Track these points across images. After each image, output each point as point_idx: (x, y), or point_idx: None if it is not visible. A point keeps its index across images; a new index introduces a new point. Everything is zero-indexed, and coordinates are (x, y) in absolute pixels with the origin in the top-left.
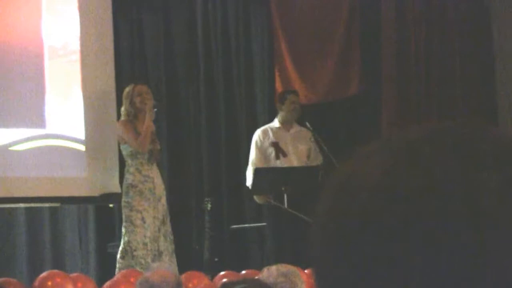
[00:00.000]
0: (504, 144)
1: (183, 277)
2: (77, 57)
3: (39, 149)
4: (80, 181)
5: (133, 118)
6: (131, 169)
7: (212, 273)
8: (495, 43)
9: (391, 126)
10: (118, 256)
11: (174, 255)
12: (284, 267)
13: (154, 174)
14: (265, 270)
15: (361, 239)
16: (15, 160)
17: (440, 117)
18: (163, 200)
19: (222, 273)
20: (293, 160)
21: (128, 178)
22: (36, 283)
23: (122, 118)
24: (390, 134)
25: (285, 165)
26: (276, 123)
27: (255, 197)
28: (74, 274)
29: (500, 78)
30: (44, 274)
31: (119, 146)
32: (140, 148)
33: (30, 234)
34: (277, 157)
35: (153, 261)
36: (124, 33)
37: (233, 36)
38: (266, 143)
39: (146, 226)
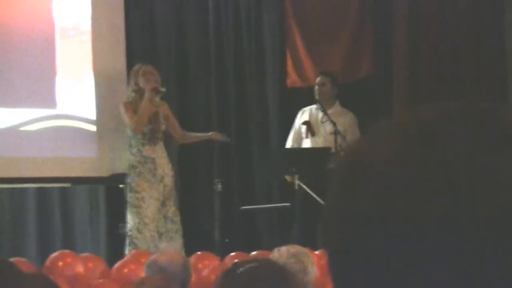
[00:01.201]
0: None
1: (193, 258)
2: (88, 37)
3: (50, 129)
4: (91, 162)
5: (138, 98)
6: (134, 150)
7: (223, 254)
8: (507, 24)
9: (403, 107)
10: (128, 240)
11: (178, 236)
12: (294, 248)
13: (156, 154)
14: (275, 251)
15: (375, 225)
16: (26, 140)
17: (451, 99)
18: (166, 181)
19: (232, 254)
20: (319, 140)
21: (130, 158)
22: (47, 263)
23: (126, 98)
24: (401, 114)
25: (311, 145)
26: (316, 103)
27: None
28: (85, 254)
29: (511, 60)
30: (54, 254)
31: None
32: (135, 127)
33: (40, 215)
34: (306, 136)
35: (152, 242)
36: (136, 13)
37: (245, 24)
38: (301, 122)
39: (146, 207)
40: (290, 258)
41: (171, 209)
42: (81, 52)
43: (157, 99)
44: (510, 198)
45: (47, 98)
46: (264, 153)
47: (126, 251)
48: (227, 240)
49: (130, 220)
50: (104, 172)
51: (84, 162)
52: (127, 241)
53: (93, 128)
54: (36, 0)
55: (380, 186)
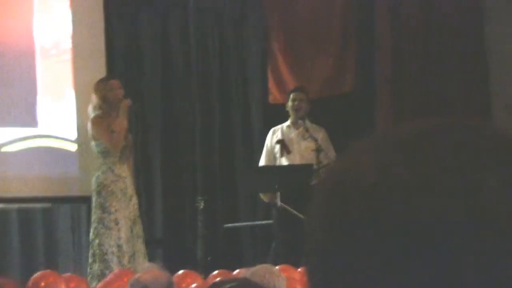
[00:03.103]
0: (502, 142)
1: (176, 276)
2: (69, 56)
3: (31, 149)
4: (72, 181)
5: (107, 114)
6: (103, 168)
7: (206, 272)
8: (488, 42)
9: (386, 123)
10: (89, 260)
11: (146, 256)
12: (262, 267)
13: (126, 173)
14: (242, 270)
15: (356, 238)
16: (7, 160)
17: (434, 114)
18: (134, 200)
19: (215, 272)
20: (296, 158)
21: (100, 176)
22: (30, 283)
23: (94, 114)
24: (384, 130)
25: (288, 163)
26: (288, 121)
27: (261, 195)
28: (67, 274)
29: (494, 77)
30: (37, 274)
31: None
32: (114, 146)
33: (23, 234)
34: (281, 155)
35: (128, 262)
36: (117, 32)
37: (228, 36)
38: (274, 141)
39: (119, 228)
40: (256, 277)
41: (141, 228)
42: (62, 71)
43: (125, 115)
44: (491, 212)
45: (28, 118)
46: (248, 170)
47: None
48: (210, 258)
49: (99, 239)
50: (85, 191)
51: (66, 181)
52: (90, 260)
53: (74, 147)
54: (17, 19)
55: (362, 206)
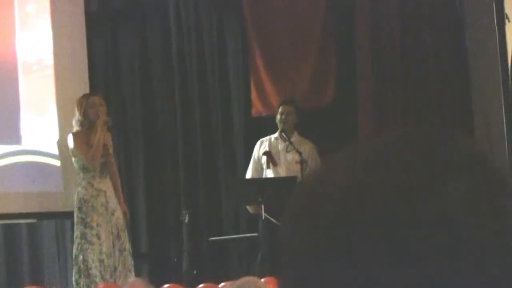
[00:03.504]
0: (471, 153)
1: None
2: (51, 72)
3: (15, 165)
4: (57, 196)
5: (87, 130)
6: (83, 183)
7: (191, 285)
8: (468, 45)
9: (368, 131)
10: (74, 276)
11: (132, 269)
12: (243, 279)
13: (107, 187)
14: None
15: (329, 243)
16: None
17: (417, 120)
18: (118, 214)
19: (201, 285)
20: (282, 170)
21: (80, 192)
22: None
23: (74, 129)
24: (360, 141)
25: (274, 175)
26: (276, 133)
27: (247, 207)
28: None
29: (474, 82)
30: None
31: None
32: (91, 161)
33: (8, 250)
34: (268, 166)
35: (111, 277)
36: (99, 47)
37: (208, 52)
38: (261, 152)
39: (101, 242)
40: None
41: (126, 242)
42: (45, 87)
43: (106, 130)
44: (453, 217)
45: (11, 134)
46: (231, 183)
47: (74, 285)
48: (195, 271)
49: (82, 255)
50: (70, 207)
51: (50, 196)
52: (75, 277)
53: (57, 162)
54: None
55: (336, 212)
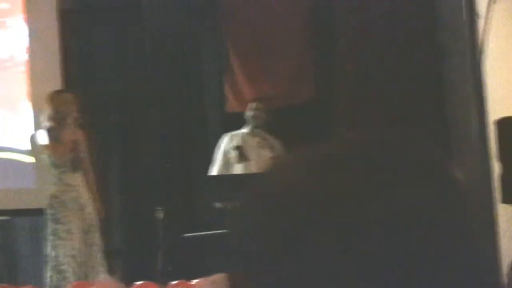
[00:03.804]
0: (422, 156)
1: (135, 287)
2: (24, 68)
3: None
4: (30, 193)
5: (57, 126)
6: (54, 179)
7: (165, 282)
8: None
9: (342, 130)
10: (48, 272)
11: (103, 265)
12: (221, 276)
13: (78, 182)
14: (201, 280)
15: (272, 235)
16: None
17: (391, 123)
18: (89, 209)
19: (174, 282)
20: (253, 165)
21: (51, 188)
22: None
23: (45, 125)
24: (310, 145)
25: (244, 171)
26: (246, 129)
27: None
28: (27, 287)
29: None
30: None
31: None
32: (58, 158)
33: None
34: (239, 161)
35: (83, 273)
36: (72, 44)
37: (183, 48)
38: (229, 147)
39: (72, 238)
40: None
41: (96, 237)
42: (17, 83)
43: (77, 127)
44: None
45: None
46: (206, 179)
47: (47, 281)
48: (170, 268)
49: (53, 252)
50: (43, 204)
51: (23, 193)
52: (48, 274)
53: (30, 159)
54: None
55: (277, 212)
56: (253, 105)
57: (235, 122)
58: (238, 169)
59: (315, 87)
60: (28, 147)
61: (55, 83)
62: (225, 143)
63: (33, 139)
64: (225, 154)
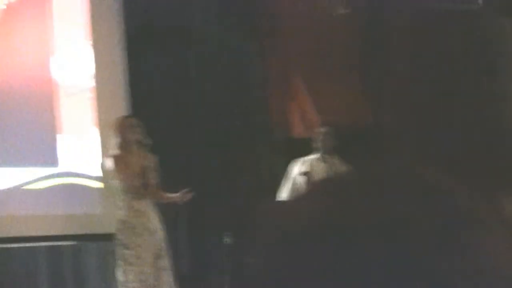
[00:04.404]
0: (433, 183)
1: None
2: (90, 94)
3: (53, 187)
4: (97, 218)
5: (125, 152)
6: (123, 205)
7: None
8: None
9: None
10: None
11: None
12: None
13: (147, 208)
14: None
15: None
16: (31, 198)
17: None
18: (159, 234)
19: None
20: None
21: (120, 213)
22: None
23: (113, 152)
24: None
25: None
26: (315, 154)
27: None
28: None
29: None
30: None
31: None
32: (129, 184)
33: (50, 273)
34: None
35: None
36: (138, 67)
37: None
38: (298, 173)
39: (141, 263)
40: None
41: (166, 262)
42: (84, 109)
43: (144, 151)
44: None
45: (48, 157)
46: (273, 204)
47: None
48: None
49: (123, 277)
50: (111, 228)
51: (91, 219)
52: None
53: (97, 184)
54: (36, 57)
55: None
56: (322, 130)
57: (301, 148)
58: None
59: (372, 113)
60: (96, 172)
61: (122, 108)
62: (294, 168)
63: (102, 165)
64: (294, 180)
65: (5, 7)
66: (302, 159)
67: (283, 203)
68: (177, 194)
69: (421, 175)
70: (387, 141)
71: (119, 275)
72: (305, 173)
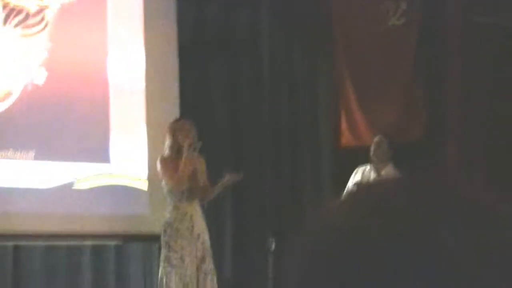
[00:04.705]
0: (469, 206)
1: None
2: (142, 94)
3: (103, 186)
4: (143, 219)
5: (176, 155)
6: (169, 207)
7: None
8: None
9: (457, 170)
10: None
11: None
12: None
13: (193, 211)
14: None
15: (323, 279)
16: (80, 197)
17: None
18: (203, 238)
19: None
20: None
21: (166, 215)
22: None
23: (164, 154)
24: (361, 187)
25: None
26: (370, 163)
27: None
28: None
29: None
30: None
31: None
32: (176, 186)
33: (95, 272)
34: None
35: None
36: (190, 69)
37: (299, 80)
38: (352, 182)
39: (185, 266)
40: None
41: (210, 266)
42: (135, 109)
43: (195, 154)
44: (451, 263)
45: (101, 153)
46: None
47: None
48: None
49: (166, 278)
50: (156, 230)
51: (136, 219)
52: None
53: (145, 184)
54: (91, 56)
55: (329, 260)
56: (376, 139)
57: (349, 157)
58: None
59: (424, 126)
60: (143, 172)
61: (173, 110)
62: (352, 177)
63: (151, 166)
64: (347, 189)
65: (59, 6)
66: (362, 167)
67: (327, 210)
68: (223, 179)
69: (490, 206)
70: (443, 153)
71: (161, 276)
72: (355, 184)
